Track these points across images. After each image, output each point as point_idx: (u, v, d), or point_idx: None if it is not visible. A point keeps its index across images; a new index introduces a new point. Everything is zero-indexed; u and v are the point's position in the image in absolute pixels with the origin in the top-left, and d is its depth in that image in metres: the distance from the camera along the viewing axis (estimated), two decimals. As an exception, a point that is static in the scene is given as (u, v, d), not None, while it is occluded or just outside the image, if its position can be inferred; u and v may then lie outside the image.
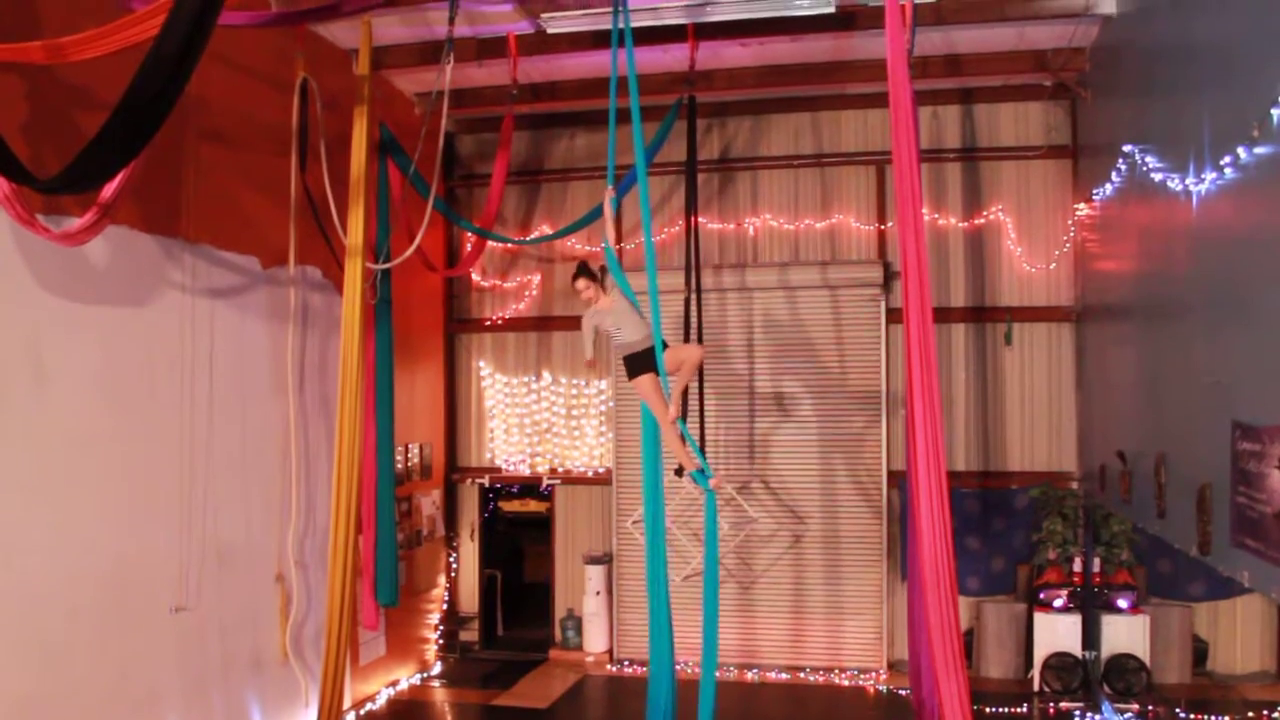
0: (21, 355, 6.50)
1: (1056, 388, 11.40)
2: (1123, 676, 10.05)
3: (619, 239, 7.22)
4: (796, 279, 11.70)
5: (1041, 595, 10.51)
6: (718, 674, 11.21)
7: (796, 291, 11.71)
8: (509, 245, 12.43)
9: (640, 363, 6.97)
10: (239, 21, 6.99)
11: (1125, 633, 10.15)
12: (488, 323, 12.85)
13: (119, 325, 7.32)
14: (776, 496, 11.72)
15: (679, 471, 10.65)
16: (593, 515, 12.59)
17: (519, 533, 14.67)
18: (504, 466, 12.76)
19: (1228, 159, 5.58)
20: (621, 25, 7.07)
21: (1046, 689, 10.26)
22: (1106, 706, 9.73)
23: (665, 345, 6.91)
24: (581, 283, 7.13)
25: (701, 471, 7.00)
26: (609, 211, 7.18)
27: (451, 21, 8.23)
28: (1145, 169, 7.49)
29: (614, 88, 7.04)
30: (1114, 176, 8.69)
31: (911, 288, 6.76)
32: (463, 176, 13.00)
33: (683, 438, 7.06)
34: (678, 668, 7.00)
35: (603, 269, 7.16)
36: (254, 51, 8.54)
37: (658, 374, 6.90)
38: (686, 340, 10.23)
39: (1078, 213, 11.03)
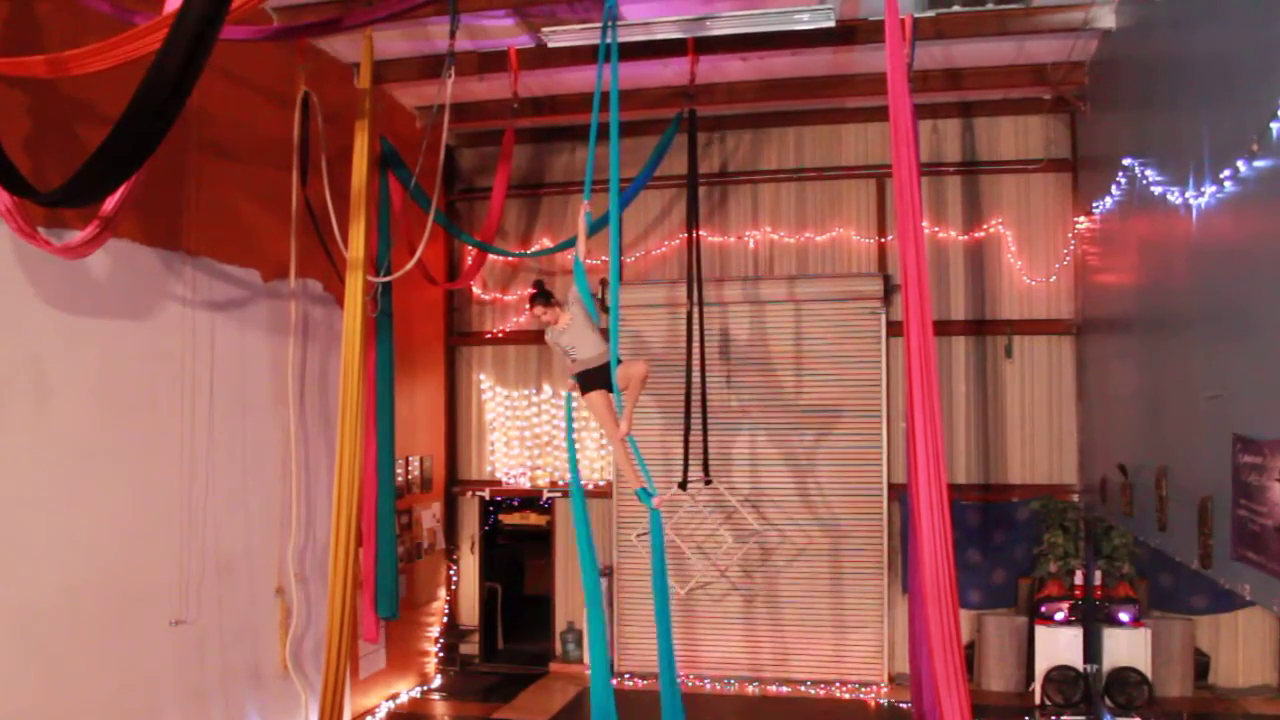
0: (22, 368, 6.50)
1: (1057, 401, 11.40)
2: (1124, 690, 10.01)
3: (589, 253, 7.37)
4: (797, 292, 11.71)
5: (1043, 608, 10.48)
6: (720, 687, 11.26)
7: (797, 304, 11.71)
8: (509, 259, 12.45)
9: (594, 379, 7.03)
10: (241, 36, 7.01)
11: (1126, 646, 10.12)
12: (488, 336, 12.86)
13: (120, 338, 7.33)
14: (778, 509, 11.70)
15: (683, 485, 10.68)
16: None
17: (519, 546, 14.64)
18: (504, 479, 12.75)
19: (1227, 172, 5.59)
20: (610, 41, 7.10)
21: (1048, 702, 10.22)
22: (1108, 720, 9.72)
23: (619, 361, 6.92)
24: (538, 309, 7.19)
25: (646, 490, 6.98)
26: (582, 225, 7.30)
27: (453, 36, 8.26)
28: (1145, 182, 7.51)
29: (596, 103, 7.07)
30: (1114, 190, 8.71)
31: (912, 301, 6.76)
32: (463, 190, 13.02)
33: (631, 455, 7.06)
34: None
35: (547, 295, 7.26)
36: (256, 65, 8.57)
37: (611, 391, 6.92)
38: (690, 356, 10.29)
39: (1078, 226, 11.05)
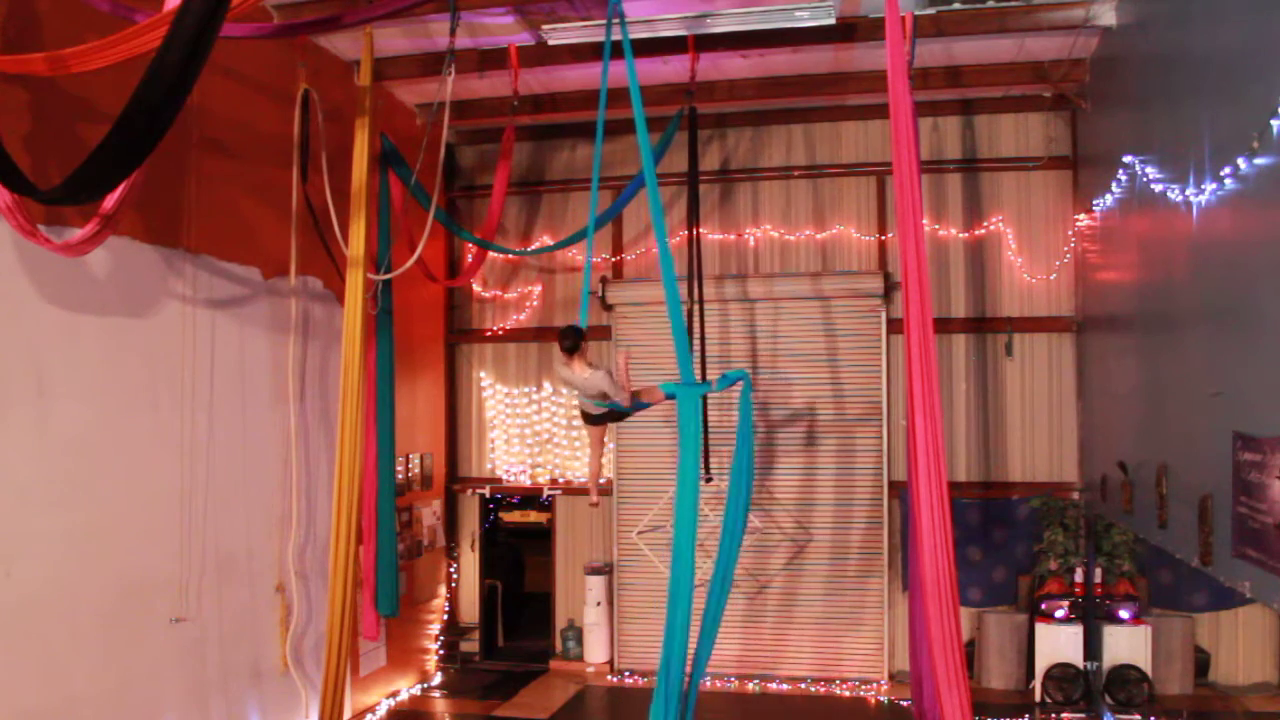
0: (23, 366, 6.50)
1: (1057, 398, 11.39)
2: (1124, 687, 10.02)
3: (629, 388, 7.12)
4: (797, 290, 11.70)
5: (1043, 606, 10.49)
6: (720, 684, 11.27)
7: (797, 302, 11.72)
8: (510, 256, 12.44)
9: (596, 420, 7.34)
10: (241, 33, 7.00)
11: (1127, 643, 10.13)
12: (488, 333, 12.86)
13: (120, 336, 7.33)
14: (779, 506, 11.70)
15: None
16: (593, 526, 12.56)
17: (519, 543, 14.65)
18: (504, 477, 12.75)
19: (1228, 170, 5.59)
20: (618, 38, 7.07)
21: (1048, 700, 10.22)
22: (1108, 717, 9.71)
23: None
24: (589, 356, 7.12)
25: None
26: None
27: (453, 33, 8.25)
28: (1145, 180, 7.51)
29: (603, 100, 7.02)
30: (1114, 187, 8.70)
31: (912, 298, 6.77)
32: (464, 187, 13.01)
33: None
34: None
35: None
36: (256, 63, 8.57)
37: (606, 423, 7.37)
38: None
39: (1078, 223, 11.04)
